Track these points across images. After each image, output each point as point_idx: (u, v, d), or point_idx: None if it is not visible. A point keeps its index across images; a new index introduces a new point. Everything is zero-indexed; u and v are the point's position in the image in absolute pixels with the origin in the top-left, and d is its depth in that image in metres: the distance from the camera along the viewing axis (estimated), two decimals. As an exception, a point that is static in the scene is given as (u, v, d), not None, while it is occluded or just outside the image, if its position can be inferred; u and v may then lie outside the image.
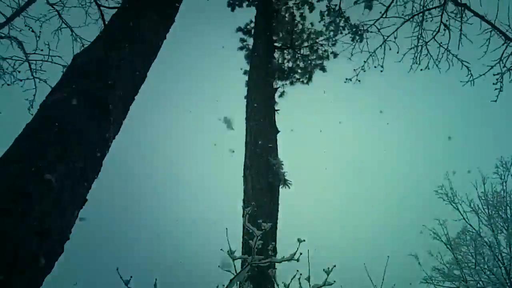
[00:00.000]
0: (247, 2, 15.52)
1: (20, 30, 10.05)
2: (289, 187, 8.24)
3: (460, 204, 18.97)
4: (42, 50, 10.22)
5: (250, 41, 13.85)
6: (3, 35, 9.93)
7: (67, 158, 3.29)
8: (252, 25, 13.99)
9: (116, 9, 10.45)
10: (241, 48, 14.58)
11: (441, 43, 11.81)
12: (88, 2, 10.79)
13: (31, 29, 10.18)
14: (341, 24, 14.83)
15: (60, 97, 3.72)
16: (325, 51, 14.35)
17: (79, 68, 4.13)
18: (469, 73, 11.13)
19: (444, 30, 11.72)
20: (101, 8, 10.49)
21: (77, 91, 3.77)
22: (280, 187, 8.15)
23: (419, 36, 12.12)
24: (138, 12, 5.38)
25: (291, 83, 14.50)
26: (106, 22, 10.37)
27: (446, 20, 11.65)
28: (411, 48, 12.02)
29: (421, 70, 12.00)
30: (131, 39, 4.73)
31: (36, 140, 3.35)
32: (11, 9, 9.66)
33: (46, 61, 10.17)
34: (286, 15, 14.67)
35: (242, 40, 14.65)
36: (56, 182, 3.04)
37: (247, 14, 14.96)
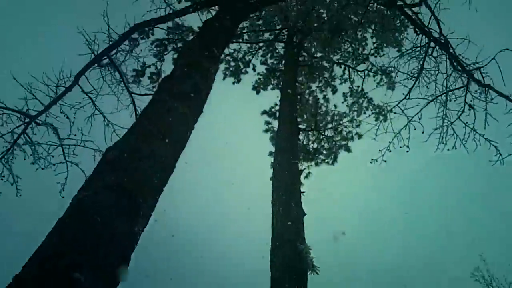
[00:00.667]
0: (271, 86, 16.08)
1: (56, 117, 10.50)
2: (317, 273, 8.02)
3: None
4: (75, 135, 10.61)
5: (275, 124, 14.18)
6: (40, 122, 10.40)
7: (97, 254, 3.32)
8: (277, 107, 14.35)
9: (147, 95, 10.95)
10: (266, 131, 14.91)
11: (466, 122, 11.72)
12: (120, 89, 11.28)
13: (66, 116, 10.63)
14: (364, 104, 15.13)
15: (91, 192, 3.82)
16: (349, 132, 14.54)
17: (110, 162, 4.27)
18: (498, 152, 10.98)
19: (469, 110, 11.70)
20: (133, 95, 11.05)
21: (107, 186, 3.87)
22: (309, 273, 7.93)
23: (444, 117, 12.11)
24: (169, 104, 5.60)
25: (316, 164, 14.58)
26: (137, 108, 10.99)
27: (471, 100, 11.67)
28: (436, 129, 11.98)
29: (448, 150, 11.88)
30: (161, 131, 4.90)
31: (67, 236, 3.41)
32: (49, 98, 10.19)
33: (79, 145, 10.51)
34: (310, 98, 15.11)
35: (267, 122, 15.01)
36: (86, 280, 3.04)
37: (272, 98, 15.43)
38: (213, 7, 10.85)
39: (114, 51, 10.46)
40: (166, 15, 10.71)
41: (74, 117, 10.72)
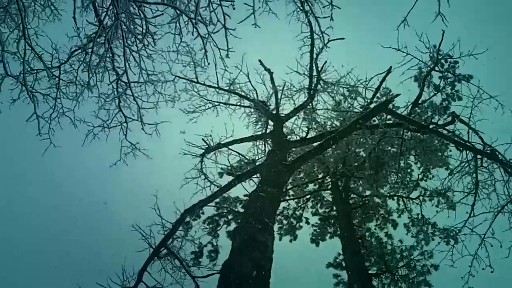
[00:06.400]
0: (329, 235, 15.82)
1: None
2: None
3: None
4: None
5: (344, 274, 13.64)
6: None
7: None
8: (341, 257, 13.91)
9: (209, 277, 10.71)
10: (336, 284, 14.17)
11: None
12: (182, 275, 11.13)
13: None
14: (430, 230, 14.40)
15: None
16: (423, 265, 13.59)
17: None
18: None
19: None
20: (196, 279, 10.89)
21: None
22: None
23: (514, 228, 11.32)
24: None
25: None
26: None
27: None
28: (515, 240, 11.11)
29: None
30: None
31: None
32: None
33: None
34: (372, 239, 14.59)
35: (336, 275, 14.34)
36: None
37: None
38: (254, 176, 11.26)
39: (170, 240, 10.66)
40: (212, 194, 11.12)
41: None
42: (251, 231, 6.61)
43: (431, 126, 11.72)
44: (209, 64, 6.11)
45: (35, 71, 8.08)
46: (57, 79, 8.17)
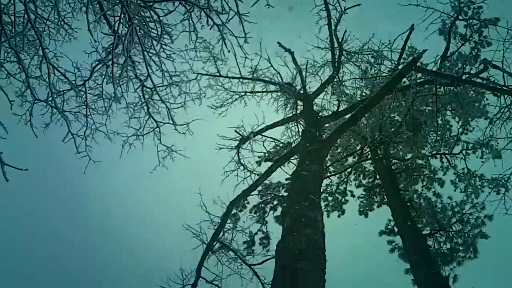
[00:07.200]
0: (376, 204, 15.67)
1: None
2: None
3: None
4: None
5: (397, 239, 13.56)
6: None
7: None
8: (392, 223, 13.82)
9: (265, 262, 10.82)
10: (391, 250, 14.07)
11: None
12: (239, 265, 11.31)
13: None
14: (478, 183, 14.07)
15: None
16: (477, 218, 13.32)
17: None
18: None
19: None
20: (252, 267, 11.02)
21: None
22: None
23: None
24: (292, 267, 5.61)
25: (459, 264, 13.19)
26: (261, 277, 10.86)
27: None
28: None
29: None
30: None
31: None
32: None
33: None
34: (421, 200, 14.38)
35: (390, 242, 14.22)
36: None
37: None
38: (293, 158, 11.28)
39: (221, 234, 10.84)
40: (253, 183, 11.24)
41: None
42: (299, 209, 6.64)
43: (463, 77, 11.39)
44: (229, 51, 6.10)
45: (62, 92, 8.29)
46: (84, 96, 8.36)
